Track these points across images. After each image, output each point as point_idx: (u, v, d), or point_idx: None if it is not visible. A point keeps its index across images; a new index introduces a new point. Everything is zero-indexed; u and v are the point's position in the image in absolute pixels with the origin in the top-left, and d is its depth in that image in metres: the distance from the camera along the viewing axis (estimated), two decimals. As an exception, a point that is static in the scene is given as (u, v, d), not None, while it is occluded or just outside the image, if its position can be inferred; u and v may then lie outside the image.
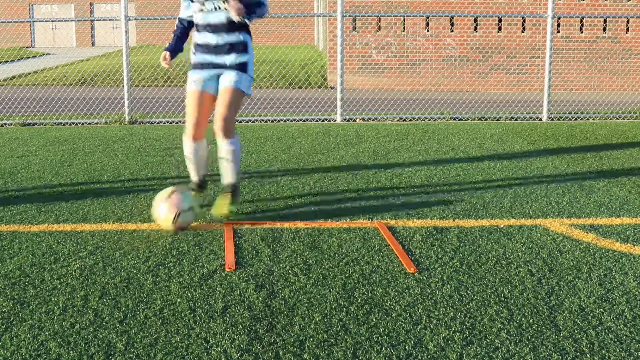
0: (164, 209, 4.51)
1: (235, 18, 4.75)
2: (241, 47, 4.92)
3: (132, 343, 3.06)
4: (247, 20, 4.84)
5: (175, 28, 5.16)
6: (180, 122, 9.60)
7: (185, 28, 5.13)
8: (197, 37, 5.01)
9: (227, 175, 5.01)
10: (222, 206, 4.89)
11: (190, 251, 4.23)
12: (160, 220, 4.56)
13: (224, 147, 4.96)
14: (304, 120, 9.53)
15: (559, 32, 14.70)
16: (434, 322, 3.28)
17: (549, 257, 4.15)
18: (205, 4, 4.87)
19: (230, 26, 4.87)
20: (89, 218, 4.92)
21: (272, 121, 9.61)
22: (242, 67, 4.93)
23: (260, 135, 8.44)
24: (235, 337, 3.12)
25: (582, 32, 14.79)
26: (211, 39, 4.91)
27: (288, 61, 18.87)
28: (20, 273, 3.87)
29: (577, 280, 3.79)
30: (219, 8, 4.84)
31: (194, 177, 5.31)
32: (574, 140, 8.10)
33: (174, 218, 4.48)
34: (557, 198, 5.47)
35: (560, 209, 5.18)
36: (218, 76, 4.98)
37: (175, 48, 5.10)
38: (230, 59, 4.91)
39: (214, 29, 4.89)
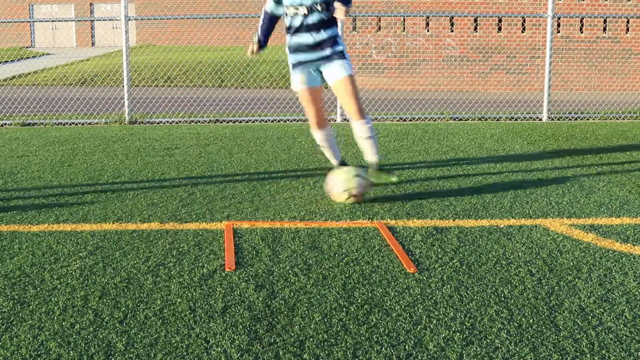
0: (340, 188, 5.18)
1: (343, 19, 5.17)
2: (334, 41, 5.39)
3: (132, 343, 3.06)
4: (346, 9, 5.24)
5: (262, 22, 5.50)
6: (179, 122, 9.60)
7: (272, 21, 5.50)
8: (291, 38, 5.41)
9: (370, 152, 5.59)
10: (380, 179, 5.61)
11: (190, 251, 4.23)
12: (336, 196, 5.23)
13: (360, 127, 5.49)
14: (304, 120, 9.53)
15: (559, 32, 14.70)
16: (434, 322, 3.28)
17: (549, 257, 4.15)
18: (299, 8, 5.26)
19: (322, 25, 5.33)
20: (89, 218, 4.92)
21: (272, 121, 9.61)
22: (340, 55, 5.41)
23: (260, 135, 8.44)
24: (235, 337, 3.12)
25: (582, 32, 14.80)
26: (306, 39, 5.35)
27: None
28: (20, 273, 3.87)
29: (577, 280, 3.79)
30: (314, 10, 5.27)
31: (334, 160, 5.80)
32: (574, 140, 8.10)
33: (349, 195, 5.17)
34: (557, 198, 5.47)
35: (560, 209, 5.18)
36: (317, 68, 5.45)
37: (264, 43, 5.51)
38: (326, 52, 5.38)
39: (308, 29, 5.32)
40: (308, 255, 4.17)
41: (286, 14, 5.38)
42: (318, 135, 5.68)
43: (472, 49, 14.87)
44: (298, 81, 5.49)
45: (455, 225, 4.77)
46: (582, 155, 7.16)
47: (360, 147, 5.67)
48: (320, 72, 5.50)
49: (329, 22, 5.37)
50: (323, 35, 5.35)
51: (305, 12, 5.29)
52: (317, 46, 5.37)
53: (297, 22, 5.34)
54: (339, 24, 5.80)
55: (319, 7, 5.28)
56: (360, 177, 5.23)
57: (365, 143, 5.57)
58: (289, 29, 5.42)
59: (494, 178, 6.14)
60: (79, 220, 4.87)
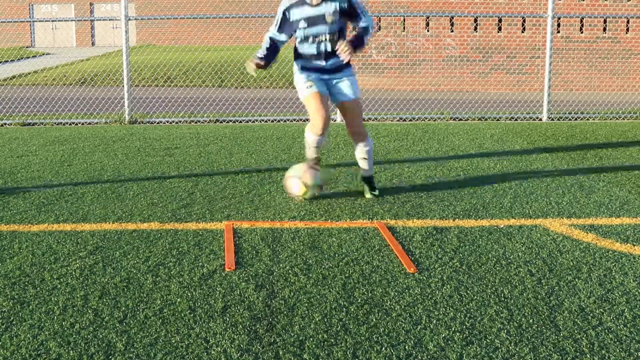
0: (296, 185, 5.32)
1: (345, 59, 5.20)
2: (345, 65, 5.36)
3: (132, 343, 3.06)
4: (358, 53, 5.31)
5: (269, 47, 5.34)
6: (179, 122, 9.60)
7: (278, 52, 5.38)
8: (304, 62, 5.35)
9: (367, 169, 5.56)
10: (366, 192, 5.55)
11: (190, 251, 4.23)
12: (294, 194, 5.33)
13: (363, 149, 5.47)
14: (304, 120, 9.53)
15: (559, 32, 14.70)
16: (434, 322, 3.28)
17: (549, 257, 4.15)
18: (316, 38, 5.22)
19: (333, 53, 5.26)
20: (89, 218, 4.92)
21: (272, 121, 9.61)
22: (351, 75, 5.40)
23: (260, 135, 8.44)
24: (235, 337, 3.12)
25: (582, 32, 14.79)
26: (318, 63, 5.31)
27: (288, 61, 18.85)
28: (20, 273, 3.87)
29: (577, 280, 3.79)
30: (329, 40, 5.22)
31: (312, 156, 5.60)
32: (574, 140, 8.10)
33: (306, 192, 5.30)
34: (557, 198, 5.47)
35: (560, 209, 5.18)
36: (326, 83, 5.38)
37: (268, 62, 5.36)
38: (338, 75, 5.36)
39: (319, 57, 5.28)
40: (308, 255, 4.17)
41: (301, 40, 5.28)
42: (316, 139, 5.44)
43: (472, 49, 14.87)
44: (307, 84, 5.33)
45: (455, 225, 4.77)
46: (582, 155, 7.16)
47: (360, 163, 5.55)
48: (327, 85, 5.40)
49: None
50: (334, 60, 5.29)
51: (316, 41, 5.23)
52: (328, 70, 5.32)
53: (306, 49, 5.29)
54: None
55: (328, 37, 5.22)
56: (311, 169, 5.38)
57: (364, 162, 5.50)
58: (297, 49, 5.35)
59: (494, 178, 6.14)
60: (79, 220, 4.87)
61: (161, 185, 5.85)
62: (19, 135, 8.46)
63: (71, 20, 10.34)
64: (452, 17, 14.61)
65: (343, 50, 5.07)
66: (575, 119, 9.92)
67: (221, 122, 9.56)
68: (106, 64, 19.61)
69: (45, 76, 16.76)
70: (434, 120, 9.72)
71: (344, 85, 5.37)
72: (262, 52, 5.32)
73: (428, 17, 14.68)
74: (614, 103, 11.85)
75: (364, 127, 5.54)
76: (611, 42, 14.80)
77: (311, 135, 5.47)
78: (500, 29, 14.82)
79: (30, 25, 37.56)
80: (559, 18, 14.41)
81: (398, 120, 9.71)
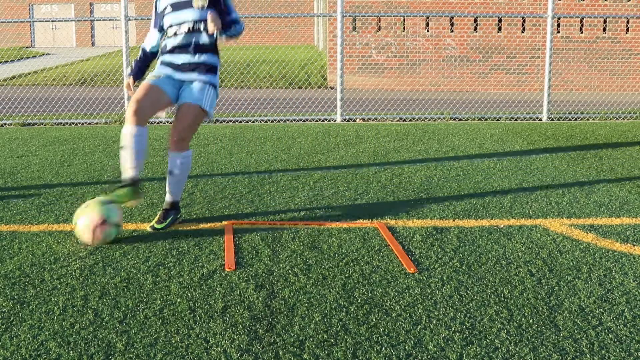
0: (85, 223, 4.28)
1: (211, 30, 4.54)
2: (208, 68, 4.72)
3: (132, 343, 3.06)
4: (221, 36, 4.70)
5: (138, 59, 4.88)
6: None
7: (149, 59, 4.88)
8: (164, 56, 4.78)
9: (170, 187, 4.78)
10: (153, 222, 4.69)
11: (190, 251, 4.23)
12: (78, 234, 4.32)
13: (177, 161, 4.70)
14: (304, 121, 9.53)
15: (558, 32, 14.70)
16: (434, 322, 3.28)
17: (549, 257, 4.15)
18: (181, 26, 4.66)
19: (202, 48, 4.69)
20: (89, 218, 4.91)
21: (272, 121, 9.61)
22: (208, 82, 4.71)
23: (260, 135, 8.44)
24: (235, 337, 3.12)
25: (582, 32, 14.79)
26: (178, 59, 4.70)
27: (288, 61, 18.87)
28: (20, 273, 3.87)
29: (577, 280, 3.79)
30: (195, 30, 4.65)
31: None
32: (574, 140, 8.10)
33: (93, 236, 4.27)
34: (557, 198, 5.47)
35: (560, 209, 5.18)
36: (178, 83, 4.75)
37: (139, 75, 4.90)
38: (194, 75, 4.70)
39: (183, 50, 4.69)
40: (308, 255, 4.17)
41: (168, 35, 4.76)
42: (130, 130, 4.52)
43: (472, 49, 14.87)
44: (151, 75, 4.75)
45: (455, 225, 4.77)
46: (582, 155, 7.16)
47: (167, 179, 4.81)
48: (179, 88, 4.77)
49: (209, 46, 4.73)
50: (198, 58, 4.69)
51: (185, 30, 4.66)
52: (186, 67, 4.70)
53: (172, 42, 4.71)
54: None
55: (200, 26, 4.66)
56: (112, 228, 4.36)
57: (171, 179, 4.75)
58: (163, 47, 4.79)
59: (494, 178, 6.14)
60: (79, 220, 4.86)
61: (161, 185, 5.84)
62: (19, 135, 8.46)
63: (71, 21, 10.34)
64: (452, 17, 14.61)
65: (211, 19, 4.50)
66: (575, 119, 9.92)
67: (221, 122, 9.56)
68: (106, 64, 19.61)
69: (45, 76, 16.76)
70: (434, 120, 9.72)
71: (190, 90, 4.69)
72: (132, 69, 4.89)
73: (428, 17, 14.68)
74: (614, 103, 11.85)
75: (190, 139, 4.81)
76: (611, 42, 14.80)
77: (127, 125, 4.59)
78: (500, 29, 14.82)
79: (30, 25, 37.57)
80: (559, 18, 14.41)
81: (398, 120, 9.71)
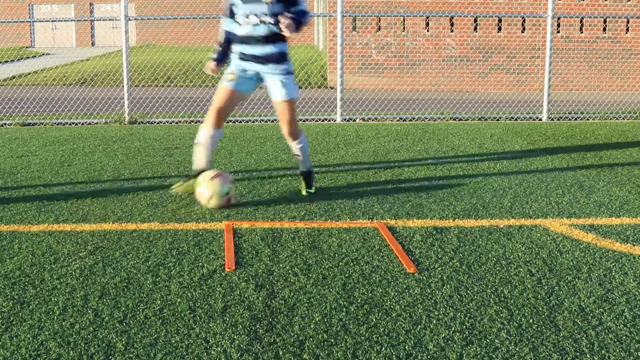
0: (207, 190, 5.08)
1: (286, 33, 4.93)
2: (280, 57, 5.17)
3: (132, 343, 3.06)
4: (296, 33, 5.00)
5: (222, 42, 5.29)
6: (179, 122, 9.59)
7: (230, 40, 5.28)
8: (237, 47, 5.21)
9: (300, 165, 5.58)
10: (301, 189, 5.59)
11: (190, 251, 4.23)
12: (204, 200, 5.09)
13: (296, 147, 5.48)
14: (304, 120, 9.53)
15: (558, 32, 14.70)
16: (434, 322, 3.28)
17: (549, 257, 4.15)
18: (249, 17, 5.06)
19: (270, 38, 5.09)
20: (89, 218, 4.92)
21: (272, 121, 9.61)
22: (286, 73, 5.22)
23: (260, 135, 8.44)
24: (235, 337, 3.12)
25: (582, 32, 14.79)
26: (250, 49, 5.13)
27: (293, 61, 18.84)
28: (20, 273, 3.87)
29: (577, 280, 3.79)
30: (263, 22, 5.05)
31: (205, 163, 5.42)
32: (574, 140, 8.10)
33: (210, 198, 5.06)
34: (557, 198, 5.47)
35: (560, 209, 5.18)
36: (255, 77, 5.28)
37: (222, 58, 5.32)
38: (270, 68, 5.17)
39: (256, 41, 5.10)
40: (308, 255, 4.17)
41: (237, 23, 5.17)
42: (205, 133, 5.34)
43: (472, 49, 14.87)
44: (228, 79, 5.25)
45: (455, 225, 4.77)
46: (582, 155, 7.16)
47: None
48: (258, 80, 5.32)
49: (279, 36, 5.12)
50: (269, 49, 5.13)
51: (256, 22, 5.07)
52: (261, 59, 5.15)
53: (242, 32, 5.13)
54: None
55: (268, 20, 5.05)
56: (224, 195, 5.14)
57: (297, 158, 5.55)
58: (234, 36, 5.22)
59: (494, 178, 6.14)
60: (79, 220, 4.87)
61: (161, 185, 5.84)
62: (19, 135, 8.46)
63: (71, 20, 10.37)
64: (452, 17, 14.61)
65: (283, 23, 4.85)
66: (575, 119, 9.92)
67: (221, 122, 9.54)
68: (106, 64, 19.61)
69: (45, 76, 16.76)
70: (434, 120, 9.72)
71: (273, 85, 5.26)
72: (216, 51, 5.31)
73: (428, 17, 14.68)
74: (614, 103, 11.85)
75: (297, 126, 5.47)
76: (611, 42, 14.80)
77: (204, 128, 5.39)
78: (500, 29, 14.82)
79: (30, 25, 37.57)
80: (559, 18, 14.41)
81: (398, 120, 9.71)
